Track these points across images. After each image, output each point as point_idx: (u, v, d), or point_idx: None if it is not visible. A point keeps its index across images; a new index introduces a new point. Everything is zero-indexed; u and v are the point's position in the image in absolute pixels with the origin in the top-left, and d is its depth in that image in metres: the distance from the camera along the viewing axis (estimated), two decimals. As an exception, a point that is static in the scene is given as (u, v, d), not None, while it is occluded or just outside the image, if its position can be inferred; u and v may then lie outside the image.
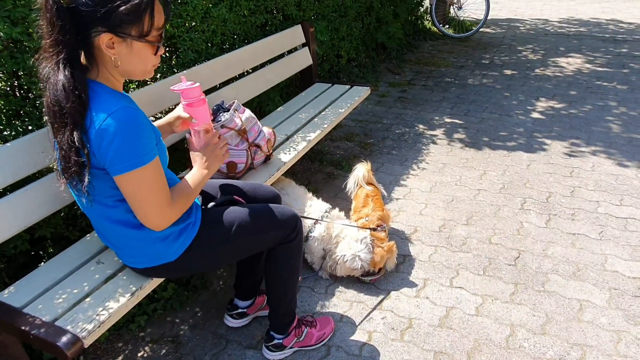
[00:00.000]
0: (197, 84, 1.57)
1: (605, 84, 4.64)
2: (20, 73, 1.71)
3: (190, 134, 1.65)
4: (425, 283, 2.28)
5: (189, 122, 1.65)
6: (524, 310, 2.10)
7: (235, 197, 1.79)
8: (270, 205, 1.75)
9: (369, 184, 2.47)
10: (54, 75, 1.22)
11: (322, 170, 3.34)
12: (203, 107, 1.59)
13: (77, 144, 1.22)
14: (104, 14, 1.21)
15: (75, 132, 1.22)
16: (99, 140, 1.24)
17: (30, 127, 1.78)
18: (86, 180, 1.29)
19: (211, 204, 1.74)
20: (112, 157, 1.26)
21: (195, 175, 1.54)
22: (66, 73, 1.21)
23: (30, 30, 1.65)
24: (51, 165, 1.68)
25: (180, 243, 1.53)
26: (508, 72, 5.11)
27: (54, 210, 1.73)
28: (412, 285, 2.27)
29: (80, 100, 1.22)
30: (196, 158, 1.57)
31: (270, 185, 2.22)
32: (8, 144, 1.62)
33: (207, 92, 2.50)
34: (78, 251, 1.76)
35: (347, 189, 2.57)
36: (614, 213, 2.72)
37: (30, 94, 1.79)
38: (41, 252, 2.17)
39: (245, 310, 2.04)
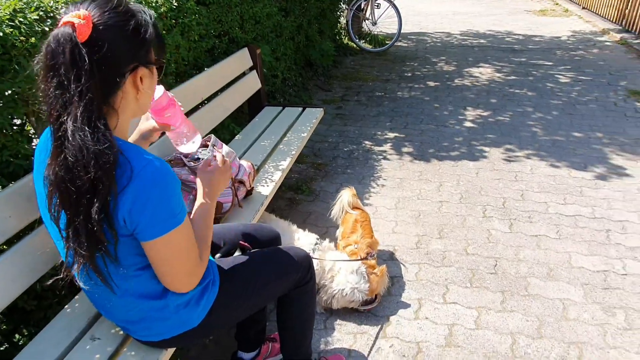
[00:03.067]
0: (160, 87, 1.38)
1: (517, 91, 5.10)
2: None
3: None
4: (420, 303, 2.28)
5: (167, 129, 1.48)
6: (517, 316, 2.19)
7: (241, 242, 1.65)
8: (281, 247, 1.65)
9: (355, 208, 2.43)
10: (78, 134, 0.98)
11: (282, 197, 3.23)
12: (176, 108, 1.44)
13: (111, 216, 1.03)
14: (139, 45, 1.07)
15: (106, 204, 1.02)
16: (130, 202, 1.06)
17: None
18: (116, 258, 1.10)
19: (219, 255, 1.58)
20: (147, 220, 1.08)
21: (202, 211, 1.35)
22: (99, 133, 1.00)
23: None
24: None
25: (203, 305, 1.36)
26: (431, 83, 5.41)
27: (29, 284, 1.45)
28: (408, 306, 2.26)
29: (113, 161, 1.01)
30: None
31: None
32: (-32, 212, 1.32)
33: (171, 126, 2.29)
34: (61, 329, 1.49)
35: (332, 216, 2.51)
36: (562, 212, 2.97)
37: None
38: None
39: (252, 362, 1.88)
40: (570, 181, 3.32)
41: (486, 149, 3.84)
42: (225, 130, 3.02)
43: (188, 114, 2.49)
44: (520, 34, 7.64)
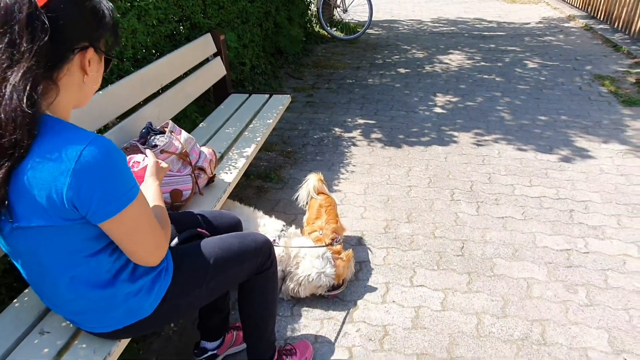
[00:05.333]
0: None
1: (486, 77, 5.14)
2: None
3: None
4: (387, 287, 2.28)
5: None
6: (483, 297, 2.21)
7: (198, 229, 1.60)
8: (240, 233, 1.61)
9: (320, 193, 2.40)
10: (16, 94, 0.96)
11: (250, 185, 3.18)
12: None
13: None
14: (93, 27, 1.08)
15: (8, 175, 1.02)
16: (77, 182, 1.01)
17: None
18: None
19: (175, 242, 1.53)
20: (99, 199, 1.05)
21: (151, 192, 1.44)
22: (33, 98, 0.98)
23: None
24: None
25: (155, 294, 1.31)
26: (402, 70, 5.41)
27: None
28: (375, 291, 2.26)
29: (29, 134, 0.99)
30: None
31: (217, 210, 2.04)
32: None
33: (129, 112, 2.22)
34: (8, 323, 1.42)
35: (298, 201, 2.48)
36: (528, 194, 3.01)
37: None
38: None
39: (215, 352, 1.84)
40: (536, 164, 3.36)
41: (455, 134, 3.86)
42: (187, 120, 2.94)
43: (148, 99, 2.41)
44: (490, 21, 7.70)
